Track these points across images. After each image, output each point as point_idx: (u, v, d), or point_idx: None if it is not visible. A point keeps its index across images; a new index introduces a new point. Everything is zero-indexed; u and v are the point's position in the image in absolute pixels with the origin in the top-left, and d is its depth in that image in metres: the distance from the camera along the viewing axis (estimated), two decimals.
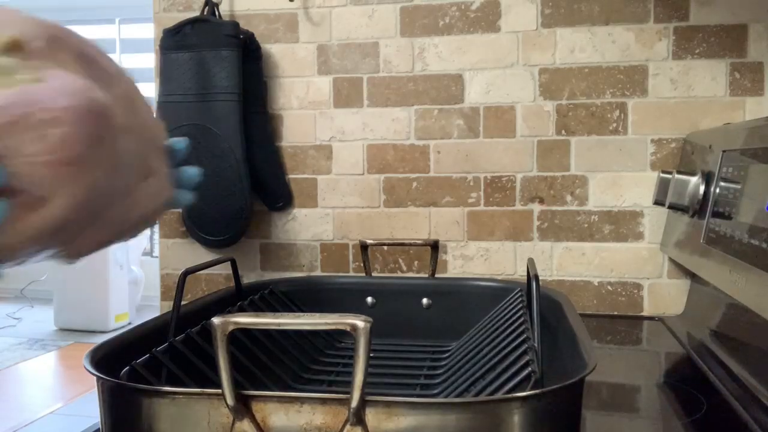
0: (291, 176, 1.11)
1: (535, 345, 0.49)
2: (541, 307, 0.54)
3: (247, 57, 1.05)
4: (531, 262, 0.64)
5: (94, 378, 0.44)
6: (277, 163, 1.10)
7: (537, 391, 0.39)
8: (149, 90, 0.94)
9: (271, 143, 1.09)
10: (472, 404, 0.38)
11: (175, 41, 1.04)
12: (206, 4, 1.06)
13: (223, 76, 1.02)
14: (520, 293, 0.72)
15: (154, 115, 0.49)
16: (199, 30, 1.03)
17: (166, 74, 1.03)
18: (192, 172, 0.53)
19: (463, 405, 0.37)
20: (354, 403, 0.35)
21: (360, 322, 0.36)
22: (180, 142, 0.53)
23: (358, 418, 0.35)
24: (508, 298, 0.74)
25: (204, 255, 1.12)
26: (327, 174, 1.09)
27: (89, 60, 0.46)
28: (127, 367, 0.48)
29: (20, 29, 0.40)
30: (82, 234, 0.42)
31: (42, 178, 0.38)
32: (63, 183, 0.39)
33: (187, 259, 1.13)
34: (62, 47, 0.43)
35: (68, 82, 0.40)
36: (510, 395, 0.39)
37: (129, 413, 0.40)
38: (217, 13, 1.07)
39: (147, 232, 1.49)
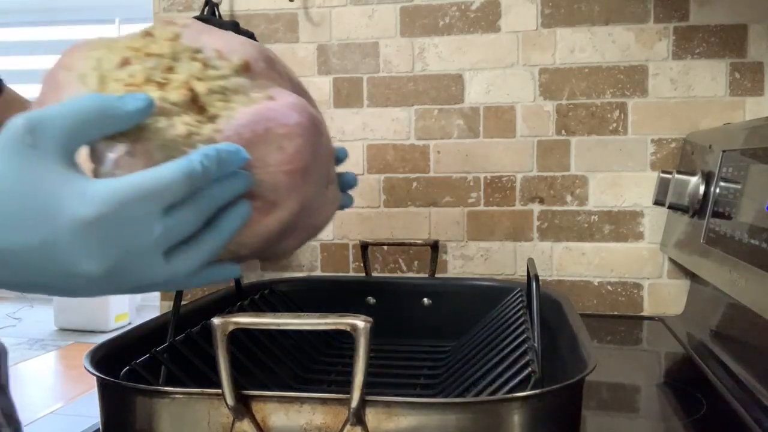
0: None
1: (535, 345, 0.49)
2: (542, 307, 0.54)
3: None
4: (531, 262, 0.64)
5: (94, 378, 0.44)
6: None
7: (537, 391, 0.39)
8: None
9: None
10: (472, 404, 0.38)
11: None
12: (206, 4, 1.06)
13: None
14: (520, 293, 0.72)
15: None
16: None
17: None
18: (351, 176, 0.60)
19: (463, 405, 0.37)
20: (354, 403, 0.35)
21: (360, 322, 0.36)
22: (342, 150, 0.59)
23: (358, 418, 0.35)
24: (507, 298, 0.73)
25: None
26: None
27: (291, 78, 0.52)
28: (127, 368, 0.48)
29: (247, 53, 0.46)
30: (289, 237, 0.47)
31: (278, 185, 0.44)
32: (292, 190, 0.45)
33: None
34: (275, 67, 0.49)
35: (293, 99, 0.46)
36: (510, 395, 0.39)
37: (129, 413, 0.40)
38: (217, 13, 1.07)
39: None
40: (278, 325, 0.37)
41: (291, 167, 0.44)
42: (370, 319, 0.36)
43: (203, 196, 0.39)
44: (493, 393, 0.45)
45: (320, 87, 1.09)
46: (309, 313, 0.42)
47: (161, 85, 0.42)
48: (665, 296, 1.00)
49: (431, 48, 1.05)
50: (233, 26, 1.04)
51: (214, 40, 0.46)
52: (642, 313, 1.01)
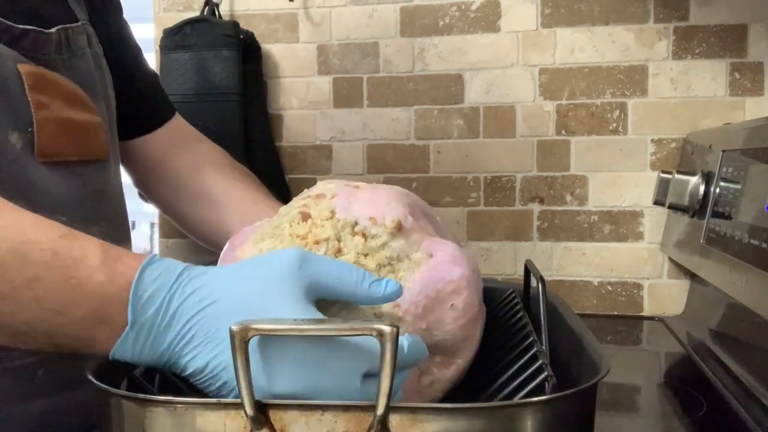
0: (291, 176, 1.10)
1: (544, 348, 0.50)
2: (538, 309, 0.55)
3: (247, 57, 1.05)
4: (530, 263, 0.64)
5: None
6: (277, 164, 1.10)
7: (562, 393, 0.38)
8: None
9: (271, 143, 1.09)
10: (499, 409, 0.38)
11: (175, 41, 1.04)
12: (206, 4, 1.06)
13: (223, 76, 1.02)
14: (512, 294, 0.70)
15: None
16: (199, 30, 1.03)
17: (166, 74, 1.03)
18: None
19: (490, 409, 0.37)
20: (380, 410, 0.35)
21: (387, 328, 0.35)
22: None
23: (383, 425, 0.35)
24: (499, 301, 0.71)
25: (204, 255, 1.12)
26: (327, 174, 1.09)
27: (430, 216, 0.54)
28: (126, 378, 0.46)
29: (395, 212, 0.49)
30: (460, 374, 0.51)
31: (455, 338, 0.47)
32: (467, 339, 0.48)
33: (187, 258, 1.12)
34: (417, 213, 0.51)
35: (449, 250, 0.48)
36: (537, 398, 0.39)
37: (139, 426, 0.38)
38: (217, 13, 1.06)
39: (146, 231, 1.47)
40: (301, 331, 0.36)
41: (464, 320, 0.47)
42: (397, 324, 0.35)
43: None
44: (509, 397, 0.45)
45: (320, 87, 1.09)
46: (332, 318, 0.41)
47: None
48: (665, 296, 1.01)
49: (431, 48, 1.05)
50: (233, 26, 1.03)
51: (364, 207, 0.49)
52: (642, 313, 1.01)
